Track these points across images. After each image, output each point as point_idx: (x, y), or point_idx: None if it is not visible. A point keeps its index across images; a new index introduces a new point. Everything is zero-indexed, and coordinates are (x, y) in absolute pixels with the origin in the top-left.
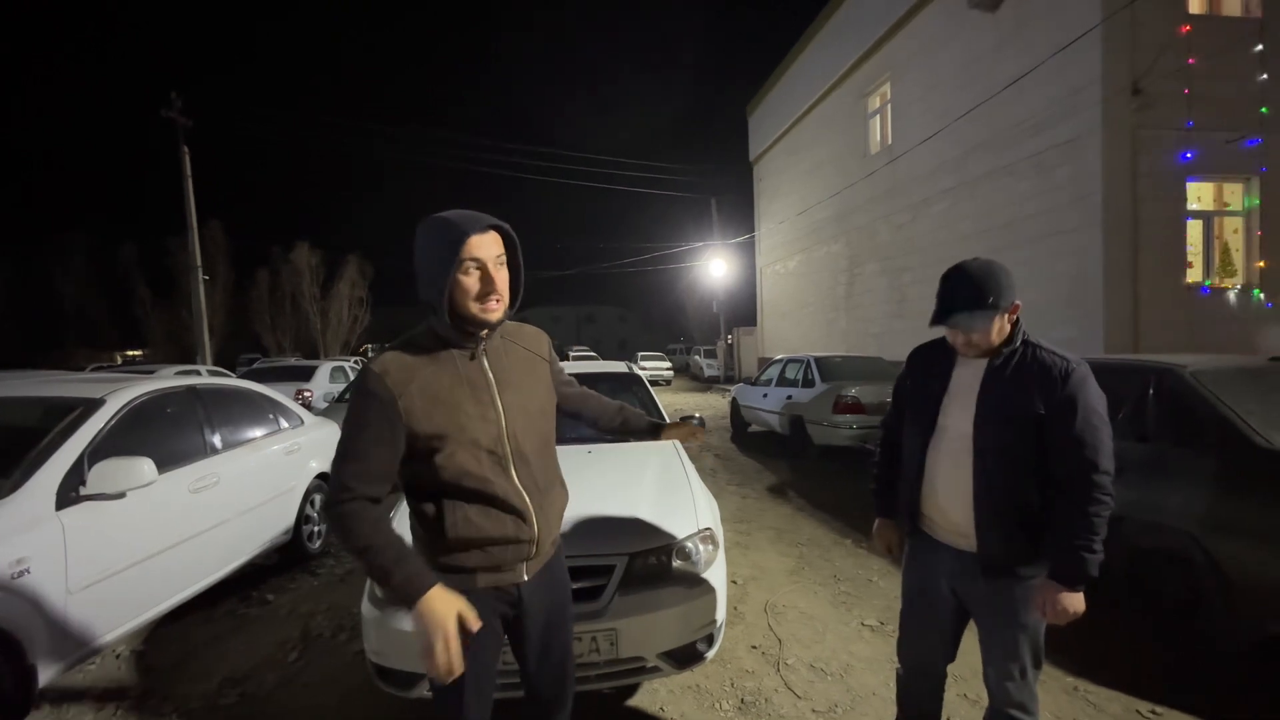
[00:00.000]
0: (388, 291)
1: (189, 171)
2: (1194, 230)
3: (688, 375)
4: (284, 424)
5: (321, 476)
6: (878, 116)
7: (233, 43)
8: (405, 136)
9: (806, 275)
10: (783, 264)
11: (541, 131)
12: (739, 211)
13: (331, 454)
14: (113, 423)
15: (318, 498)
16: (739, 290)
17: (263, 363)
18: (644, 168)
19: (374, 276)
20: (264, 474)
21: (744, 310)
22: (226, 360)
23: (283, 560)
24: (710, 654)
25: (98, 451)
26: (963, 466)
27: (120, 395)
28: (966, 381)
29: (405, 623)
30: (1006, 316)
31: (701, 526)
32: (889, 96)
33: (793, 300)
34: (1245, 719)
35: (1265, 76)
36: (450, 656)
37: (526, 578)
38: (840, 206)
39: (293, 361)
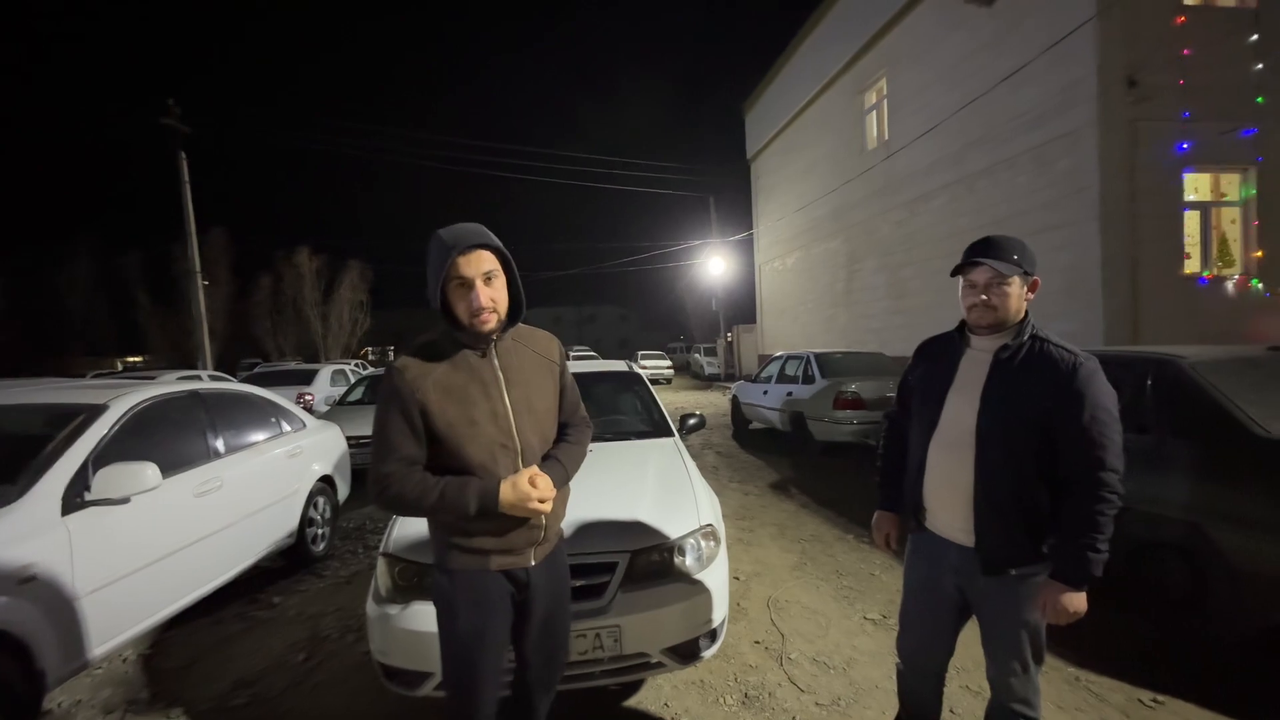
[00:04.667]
0: (388, 295)
1: (187, 178)
2: (1191, 221)
3: (688, 374)
4: (286, 427)
5: (325, 479)
6: (874, 112)
7: (235, 48)
8: (404, 140)
9: (805, 272)
10: (781, 261)
11: (538, 133)
12: (737, 209)
13: (333, 456)
14: (116, 428)
15: (321, 500)
16: (738, 288)
17: (264, 367)
18: (641, 167)
19: (374, 280)
20: (267, 477)
21: (743, 308)
22: (227, 365)
23: (288, 563)
24: (713, 649)
25: (102, 457)
26: (965, 460)
27: (123, 401)
28: (972, 374)
29: (410, 621)
30: (1026, 290)
31: (703, 523)
32: (885, 92)
33: (792, 297)
34: (1247, 709)
35: (1261, 66)
36: (546, 503)
37: (534, 563)
38: (838, 203)
39: (294, 365)
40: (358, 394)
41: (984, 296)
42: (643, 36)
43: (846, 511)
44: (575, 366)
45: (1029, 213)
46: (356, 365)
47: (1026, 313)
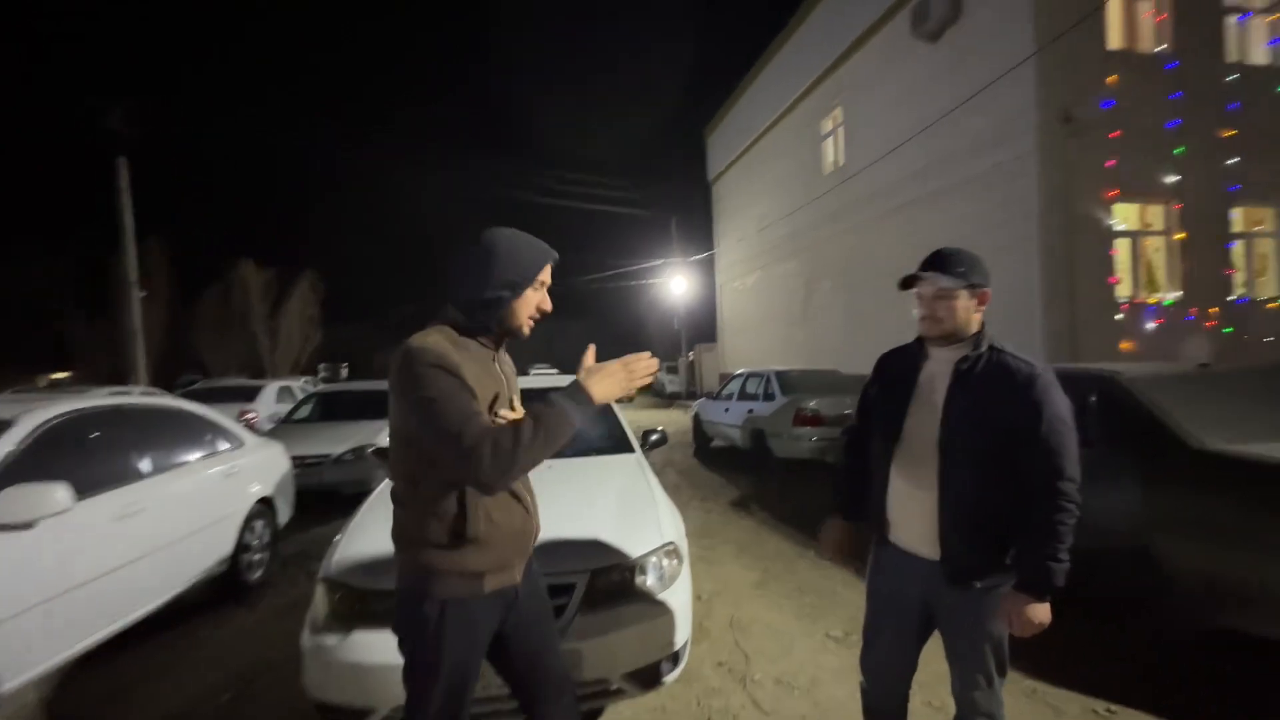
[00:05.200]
0: (341, 310)
1: (126, 184)
2: (1122, 248)
3: (650, 391)
4: (222, 446)
5: (264, 501)
6: (831, 138)
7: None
8: (358, 153)
9: (765, 292)
10: (741, 281)
11: (501, 148)
12: (698, 230)
13: (274, 477)
14: (25, 445)
15: (259, 524)
16: (699, 308)
17: (204, 383)
18: (604, 185)
19: (326, 294)
20: (199, 499)
21: (704, 327)
22: (165, 382)
23: (221, 592)
24: (676, 673)
25: (6, 476)
26: (928, 472)
27: (34, 416)
28: (933, 386)
29: (351, 653)
30: (976, 300)
31: (665, 541)
32: (841, 119)
33: (752, 316)
34: (1200, 713)
35: (1179, 109)
36: (640, 377)
37: (519, 579)
38: (796, 225)
39: (236, 382)
40: (305, 411)
41: (930, 309)
42: (601, 57)
43: (807, 528)
44: (529, 382)
45: (977, 235)
46: (306, 382)
47: (983, 325)
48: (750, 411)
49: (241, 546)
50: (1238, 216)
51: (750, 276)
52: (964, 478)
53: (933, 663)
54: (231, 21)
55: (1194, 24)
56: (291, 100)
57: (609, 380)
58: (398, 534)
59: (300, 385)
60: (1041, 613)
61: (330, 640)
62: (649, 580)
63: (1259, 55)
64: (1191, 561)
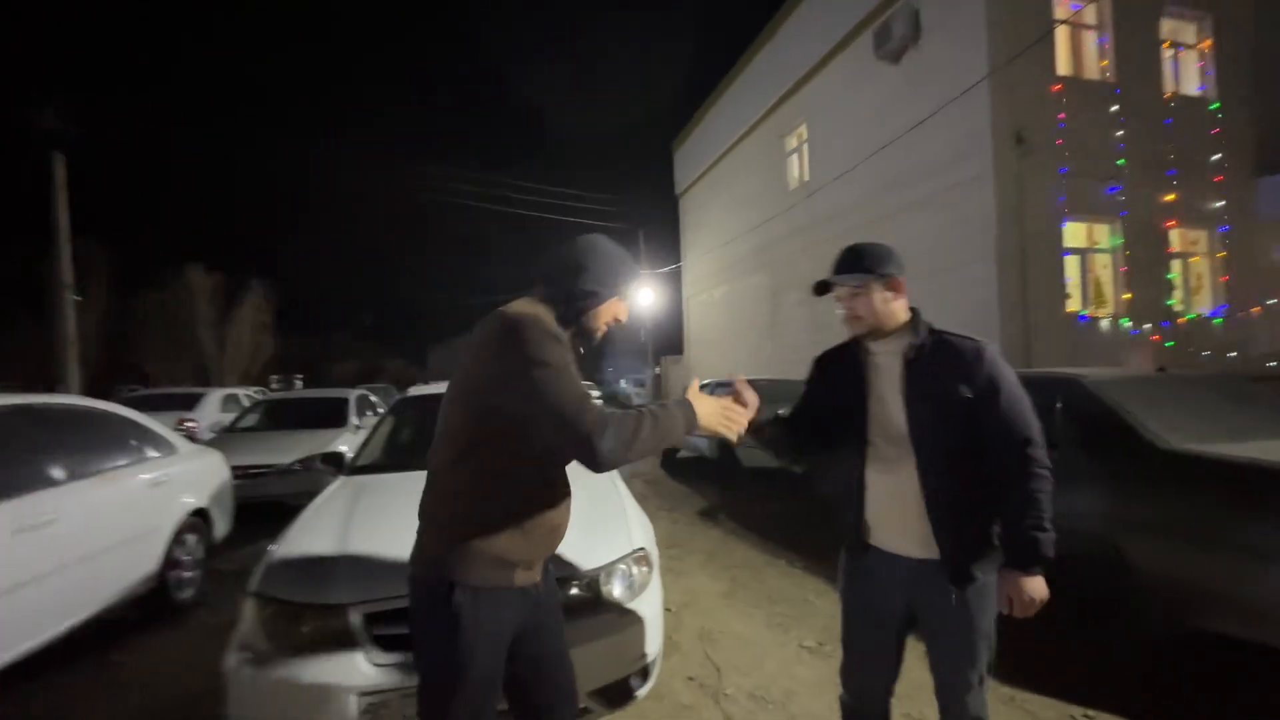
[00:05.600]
0: (297, 320)
1: (63, 181)
2: (1071, 265)
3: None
4: (151, 453)
5: (198, 513)
6: (796, 155)
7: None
8: (317, 159)
9: (732, 305)
10: (708, 294)
11: (464, 157)
12: (665, 244)
13: (209, 487)
14: None
15: (191, 538)
16: (666, 320)
17: (142, 391)
18: (569, 195)
19: (281, 303)
20: (119, 510)
21: (672, 339)
22: (102, 392)
23: (145, 613)
24: (646, 688)
25: None
26: (906, 469)
27: None
28: (883, 380)
29: (286, 674)
30: (888, 290)
31: (635, 547)
32: (805, 136)
33: (719, 329)
34: (1175, 715)
35: (1121, 134)
36: (742, 421)
37: (540, 579)
38: (762, 239)
39: (175, 390)
40: (251, 420)
41: (850, 308)
42: (572, 69)
43: (775, 537)
44: None
45: (938, 251)
46: (257, 391)
47: (914, 311)
48: None
49: (170, 562)
50: (1175, 236)
51: (717, 289)
52: (942, 466)
53: (910, 672)
54: (181, 16)
55: (1131, 54)
56: (254, 102)
57: (713, 413)
58: (432, 511)
59: (247, 394)
60: (1037, 586)
61: (261, 663)
62: (616, 589)
63: (1191, 87)
64: (1162, 563)
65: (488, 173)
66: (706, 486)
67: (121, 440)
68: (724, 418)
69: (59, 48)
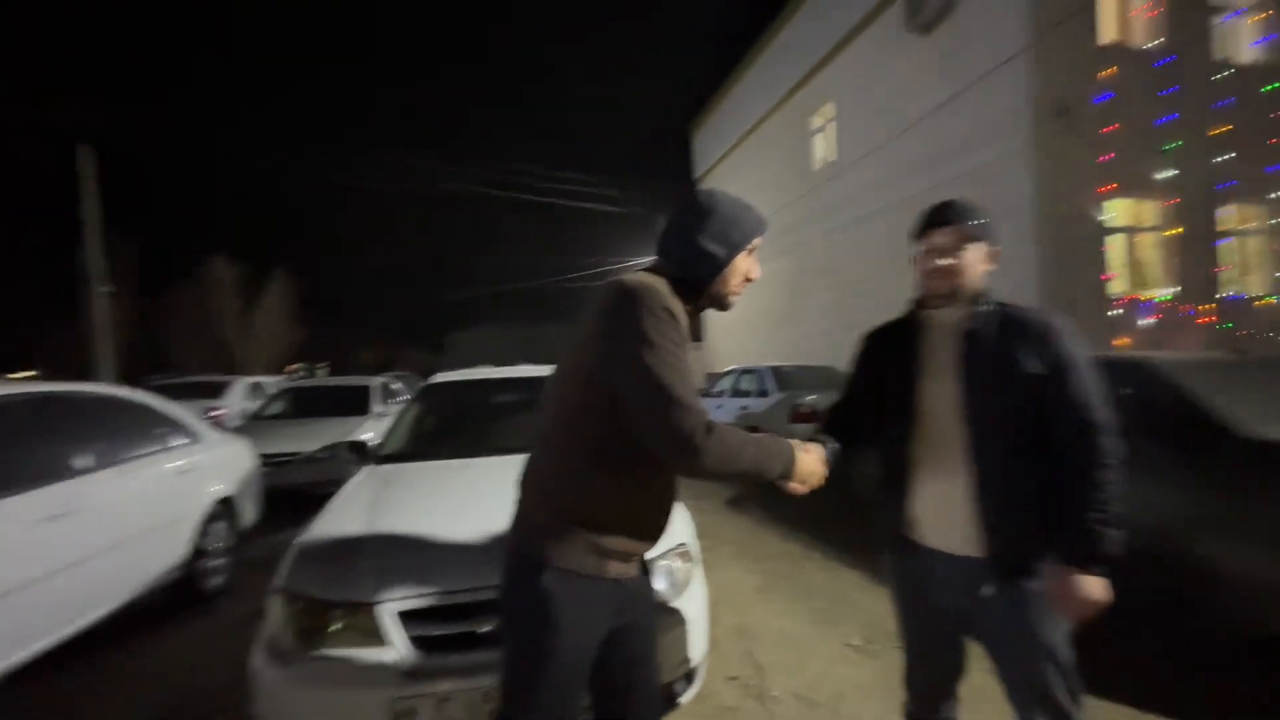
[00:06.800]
0: (324, 309)
1: (93, 173)
2: (1116, 245)
3: None
4: (178, 441)
5: (225, 502)
6: (821, 134)
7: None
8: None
9: (751, 291)
10: None
11: (482, 148)
12: None
13: (237, 475)
14: None
15: (219, 526)
16: None
17: (168, 380)
18: (585, 181)
19: (306, 291)
20: (146, 499)
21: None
22: (132, 382)
23: (172, 602)
24: (691, 693)
25: None
26: (954, 452)
27: None
28: (939, 355)
29: (316, 680)
30: (986, 256)
31: (676, 541)
32: (832, 115)
33: (738, 316)
34: None
35: (1171, 105)
36: (810, 483)
37: (635, 573)
38: (784, 223)
39: (202, 378)
40: (277, 407)
41: (946, 260)
42: (587, 52)
43: (808, 528)
44: (513, 372)
45: None
46: (285, 378)
47: (984, 286)
48: (744, 409)
49: (198, 551)
50: (1229, 213)
51: None
52: (995, 450)
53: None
54: (210, 14)
55: (1184, 20)
56: (283, 103)
57: (812, 471)
58: (535, 483)
59: (274, 382)
60: (1093, 587)
61: (287, 662)
62: (659, 586)
63: (1246, 54)
64: (1242, 562)
65: (492, 160)
66: None
67: (149, 428)
68: (816, 477)
69: (94, 46)
